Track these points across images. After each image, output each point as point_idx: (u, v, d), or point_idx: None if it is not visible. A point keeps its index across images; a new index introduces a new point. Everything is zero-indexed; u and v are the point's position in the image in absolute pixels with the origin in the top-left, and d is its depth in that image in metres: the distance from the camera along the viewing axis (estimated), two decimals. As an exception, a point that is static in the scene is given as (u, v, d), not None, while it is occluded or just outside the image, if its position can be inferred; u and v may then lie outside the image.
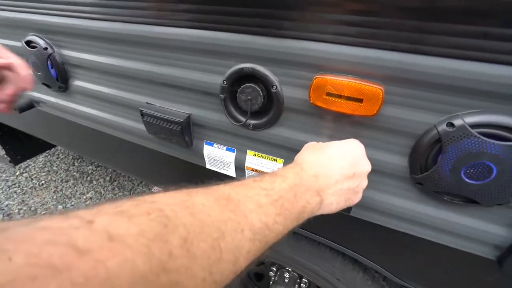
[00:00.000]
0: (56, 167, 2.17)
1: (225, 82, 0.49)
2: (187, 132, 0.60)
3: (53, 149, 2.16)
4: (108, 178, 2.06)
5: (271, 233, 0.27)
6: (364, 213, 0.52)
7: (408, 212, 0.47)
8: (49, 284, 0.13)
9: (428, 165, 0.41)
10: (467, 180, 0.38)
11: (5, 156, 1.48)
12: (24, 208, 1.81)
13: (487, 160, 0.36)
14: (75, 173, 2.12)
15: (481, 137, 0.35)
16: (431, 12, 0.32)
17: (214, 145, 0.61)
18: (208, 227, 0.22)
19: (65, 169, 2.14)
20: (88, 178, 2.07)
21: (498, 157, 0.35)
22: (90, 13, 0.58)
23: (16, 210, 1.79)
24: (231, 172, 0.63)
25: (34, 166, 2.17)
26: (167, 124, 0.60)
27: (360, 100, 0.39)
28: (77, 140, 1.01)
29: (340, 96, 0.39)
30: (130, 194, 1.94)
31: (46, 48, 0.71)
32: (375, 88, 0.38)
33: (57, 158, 2.27)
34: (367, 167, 0.40)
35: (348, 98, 0.39)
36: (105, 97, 0.70)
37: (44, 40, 0.71)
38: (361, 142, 0.44)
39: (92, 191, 1.95)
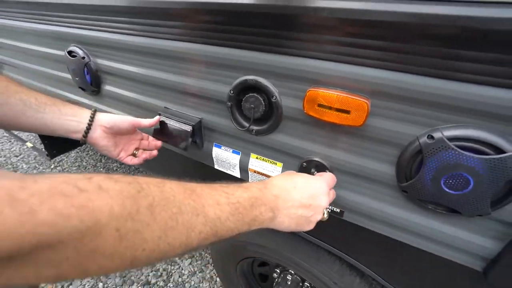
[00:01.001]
0: (85, 162, 2.35)
1: (231, 92, 0.55)
2: (198, 134, 0.67)
3: (83, 146, 2.35)
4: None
5: (222, 226, 0.33)
6: (356, 217, 0.55)
7: (396, 218, 0.50)
8: (59, 201, 0.21)
9: (412, 174, 0.44)
10: (447, 190, 0.41)
11: (43, 150, 1.64)
12: (56, 198, 1.98)
13: (464, 172, 0.38)
14: (101, 169, 2.28)
15: (458, 149, 0.38)
16: (411, 36, 0.36)
17: (222, 147, 0.67)
18: (171, 203, 0.30)
19: (93, 165, 2.32)
20: (113, 174, 2.21)
21: (474, 169, 0.38)
22: (120, 28, 0.67)
23: (49, 200, 1.96)
24: (236, 173, 0.68)
25: (66, 160, 2.37)
26: (181, 126, 0.67)
27: (348, 112, 0.43)
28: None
29: (330, 108, 0.44)
30: (149, 191, 2.05)
31: (83, 57, 0.82)
32: (361, 101, 0.42)
33: (87, 154, 2.45)
34: (324, 202, 0.45)
35: (337, 110, 0.43)
36: (130, 100, 0.79)
37: (83, 50, 0.82)
38: (351, 150, 0.48)
39: (116, 187, 2.09)
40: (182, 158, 0.78)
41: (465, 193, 0.40)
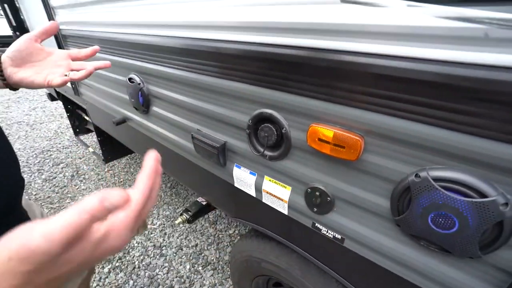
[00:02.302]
0: (133, 169, 2.63)
1: (250, 121, 0.64)
2: (222, 154, 0.77)
3: (133, 154, 2.64)
4: (168, 185, 2.40)
5: None
6: (356, 246, 0.58)
7: (393, 251, 0.52)
8: None
9: (403, 209, 0.47)
10: (434, 228, 0.43)
11: (101, 155, 1.92)
12: (105, 199, 2.25)
13: (449, 212, 0.41)
14: (145, 177, 2.53)
15: (442, 190, 0.41)
16: (398, 86, 0.41)
17: (241, 168, 0.76)
18: None
19: (139, 172, 2.58)
20: (154, 182, 2.44)
21: (458, 210, 0.40)
22: (167, 63, 0.82)
23: (99, 200, 2.23)
24: (252, 192, 0.76)
25: (118, 166, 2.69)
26: (208, 147, 0.77)
27: (343, 147, 0.48)
28: (147, 148, 1.29)
29: (328, 142, 0.50)
30: (183, 201, 2.21)
31: (139, 84, 1.00)
32: (355, 139, 0.47)
33: (135, 162, 2.75)
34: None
35: (334, 144, 0.49)
36: (171, 121, 0.93)
37: (139, 78, 1.00)
38: (349, 181, 0.52)
39: (155, 194, 2.30)
40: (208, 174, 0.89)
41: (452, 233, 0.42)
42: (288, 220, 0.70)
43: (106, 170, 2.63)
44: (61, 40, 1.49)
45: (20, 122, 3.76)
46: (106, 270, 1.64)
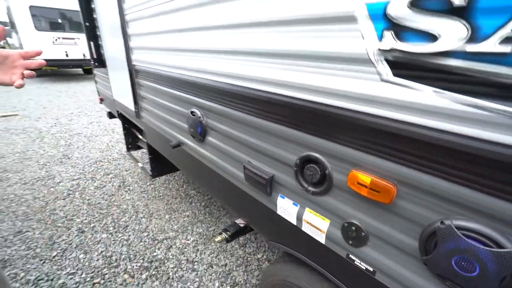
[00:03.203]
0: (171, 185, 2.86)
1: (298, 160, 0.78)
2: (269, 185, 0.90)
3: (174, 173, 2.88)
4: (203, 204, 2.56)
5: None
6: (387, 280, 0.66)
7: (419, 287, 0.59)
8: None
9: (430, 250, 0.55)
10: (458, 270, 0.51)
11: (149, 171, 2.15)
12: (146, 210, 2.46)
13: (470, 257, 0.49)
14: (182, 193, 2.73)
15: (464, 237, 0.49)
16: (425, 149, 0.52)
17: (285, 198, 0.88)
18: None
19: (176, 189, 2.80)
20: (190, 200, 2.63)
21: (478, 256, 0.48)
22: (225, 103, 1.00)
23: (141, 210, 2.46)
24: (293, 220, 0.87)
25: (158, 181, 2.94)
26: (258, 177, 0.91)
27: (378, 191, 0.59)
28: (197, 171, 1.47)
29: (365, 186, 0.61)
30: (216, 221, 2.34)
31: (200, 117, 1.19)
32: (389, 186, 0.57)
33: (173, 179, 2.98)
34: None
35: (370, 188, 0.60)
36: (224, 151, 1.10)
37: (200, 112, 1.19)
38: (383, 220, 0.62)
39: (190, 211, 2.47)
40: (254, 200, 1.02)
41: (474, 277, 0.49)
42: (324, 249, 0.80)
43: (148, 183, 2.89)
44: (134, 74, 1.79)
45: (79, 133, 4.28)
46: (144, 276, 1.79)
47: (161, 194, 2.71)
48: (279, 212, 0.91)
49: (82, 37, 8.61)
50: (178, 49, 1.24)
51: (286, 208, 0.88)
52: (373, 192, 0.60)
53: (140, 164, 2.43)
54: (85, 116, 5.18)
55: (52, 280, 1.74)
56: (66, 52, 8.67)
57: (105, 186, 2.83)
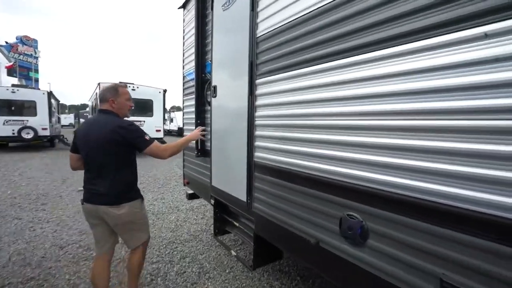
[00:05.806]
0: (252, 275, 2.74)
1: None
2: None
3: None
4: (293, 300, 2.37)
5: None
6: None
7: None
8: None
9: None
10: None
11: (251, 261, 2.14)
12: None
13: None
14: (265, 284, 2.59)
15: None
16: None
17: None
18: None
19: (258, 278, 2.67)
20: (276, 293, 2.46)
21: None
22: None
23: None
24: None
25: (237, 267, 2.84)
26: None
27: None
28: (342, 273, 1.46)
29: None
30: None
31: (362, 221, 1.27)
32: None
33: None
34: None
35: None
36: (401, 259, 1.12)
37: (360, 216, 1.28)
38: None
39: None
40: None
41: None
42: None
43: (227, 271, 2.80)
44: (252, 168, 2.01)
45: (147, 211, 4.48)
46: None
47: (243, 285, 2.60)
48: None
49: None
50: (332, 158, 1.43)
51: None
52: None
53: (233, 253, 2.43)
54: (150, 193, 5.49)
55: None
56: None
57: (185, 272, 2.79)
